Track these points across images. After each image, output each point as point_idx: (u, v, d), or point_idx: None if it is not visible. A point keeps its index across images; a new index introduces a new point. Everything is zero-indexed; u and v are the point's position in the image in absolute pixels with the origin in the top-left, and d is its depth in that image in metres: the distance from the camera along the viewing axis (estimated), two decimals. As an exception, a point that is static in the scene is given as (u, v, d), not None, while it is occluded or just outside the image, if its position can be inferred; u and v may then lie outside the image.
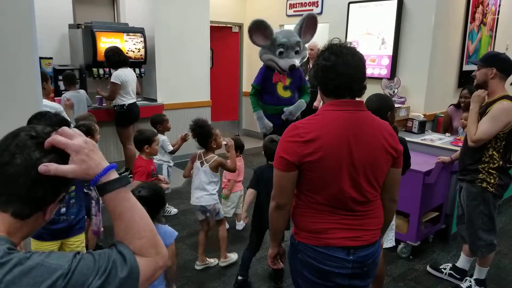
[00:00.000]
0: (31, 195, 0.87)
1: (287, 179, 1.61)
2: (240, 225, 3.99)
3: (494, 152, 2.66)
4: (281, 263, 1.90)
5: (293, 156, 1.55)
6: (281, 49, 4.12)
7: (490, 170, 2.69)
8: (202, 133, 3.10)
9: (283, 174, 1.60)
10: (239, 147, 3.68)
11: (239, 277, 3.00)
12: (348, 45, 1.62)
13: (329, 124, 1.57)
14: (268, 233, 2.13)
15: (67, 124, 2.33)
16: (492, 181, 2.69)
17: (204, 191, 3.11)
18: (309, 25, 4.12)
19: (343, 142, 1.54)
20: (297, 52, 4.13)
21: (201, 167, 3.12)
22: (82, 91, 4.70)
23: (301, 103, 4.26)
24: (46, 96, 3.80)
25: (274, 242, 1.84)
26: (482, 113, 2.68)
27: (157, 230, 1.92)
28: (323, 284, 1.67)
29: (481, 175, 2.71)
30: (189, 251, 3.49)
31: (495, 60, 2.68)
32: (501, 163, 2.67)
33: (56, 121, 2.18)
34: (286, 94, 4.20)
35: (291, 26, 6.82)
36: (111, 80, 4.76)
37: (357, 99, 1.65)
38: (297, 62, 4.15)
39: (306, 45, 4.50)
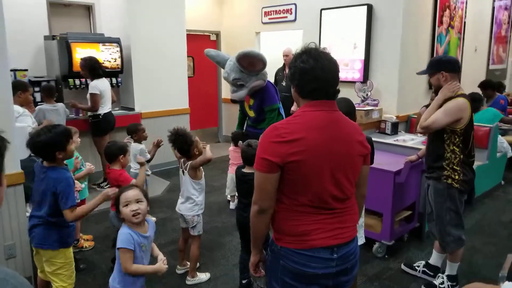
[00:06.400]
0: None
1: (269, 181, 1.59)
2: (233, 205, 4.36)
3: (454, 147, 2.78)
4: (262, 271, 1.87)
5: (276, 156, 1.55)
6: None
7: (454, 167, 2.79)
8: (184, 142, 3.04)
9: (266, 176, 1.58)
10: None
11: (243, 281, 3.03)
12: (324, 50, 1.66)
13: (310, 123, 1.59)
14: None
15: None
16: (457, 177, 2.79)
17: (184, 200, 3.11)
18: (246, 64, 3.97)
19: (325, 140, 1.58)
20: (241, 85, 4.09)
21: (183, 175, 3.11)
22: (60, 105, 4.63)
23: None
24: (19, 104, 3.82)
25: (256, 249, 1.79)
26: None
27: (121, 229, 2.04)
28: None
29: (446, 171, 2.82)
30: (169, 259, 3.47)
31: (440, 64, 2.85)
32: (462, 156, 2.78)
33: None
34: (251, 113, 4.27)
35: (267, 33, 6.98)
36: (91, 92, 4.74)
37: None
38: (238, 95, 4.14)
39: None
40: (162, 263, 2.20)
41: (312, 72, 1.59)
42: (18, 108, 3.72)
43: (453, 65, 2.86)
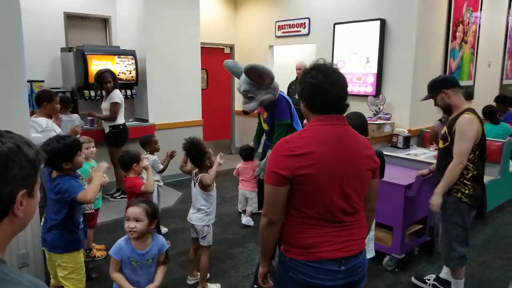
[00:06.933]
0: None
1: (279, 194, 1.61)
2: (245, 220, 4.46)
3: (468, 163, 2.75)
4: (271, 282, 1.87)
5: (286, 170, 1.57)
6: None
7: (465, 181, 2.77)
8: (197, 152, 3.10)
9: (275, 189, 1.61)
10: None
11: (255, 286, 3.04)
12: (333, 66, 1.71)
13: (319, 137, 1.62)
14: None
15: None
16: (467, 191, 2.78)
17: (196, 210, 3.15)
18: (256, 77, 3.91)
19: (334, 154, 1.60)
20: (252, 98, 4.17)
21: (194, 187, 3.15)
22: (75, 116, 4.73)
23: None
24: (46, 115, 3.89)
25: (265, 261, 1.81)
26: (450, 127, 2.80)
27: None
28: None
29: (456, 185, 2.80)
30: (179, 270, 3.52)
31: (439, 84, 2.88)
32: (475, 172, 2.77)
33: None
34: (265, 126, 4.24)
35: (280, 46, 7.06)
36: (114, 101, 4.85)
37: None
38: (248, 106, 4.03)
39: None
40: None
41: (322, 87, 1.63)
42: (41, 122, 3.75)
43: (451, 81, 2.90)
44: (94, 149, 3.59)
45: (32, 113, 4.35)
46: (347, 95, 1.71)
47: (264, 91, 4.03)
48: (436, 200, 2.84)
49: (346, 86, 1.70)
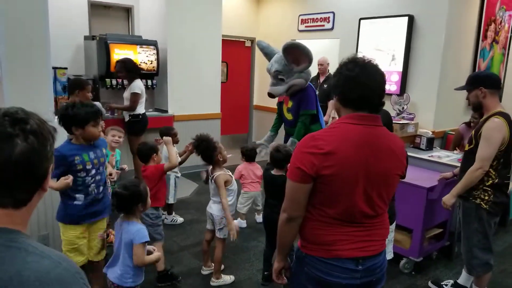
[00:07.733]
0: (21, 184, 0.87)
1: (301, 191, 1.57)
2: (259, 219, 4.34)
3: (490, 170, 2.63)
4: (285, 278, 1.84)
5: (311, 168, 1.52)
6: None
7: (484, 188, 2.66)
8: (206, 148, 3.06)
9: (298, 186, 1.57)
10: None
11: (266, 273, 3.14)
12: (372, 61, 1.63)
13: (348, 137, 1.54)
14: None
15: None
16: (486, 198, 2.66)
17: (214, 202, 3.15)
18: (292, 54, 3.83)
19: (361, 157, 1.53)
20: (282, 80, 3.91)
21: (211, 183, 3.13)
22: (97, 103, 4.75)
23: (293, 142, 3.89)
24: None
25: (281, 256, 1.77)
26: (477, 130, 2.69)
27: (131, 226, 2.15)
28: None
29: (475, 191, 2.69)
30: (193, 260, 3.53)
31: (479, 80, 2.71)
32: (496, 180, 2.65)
33: None
34: (289, 116, 4.07)
35: (302, 41, 6.93)
36: (134, 91, 4.84)
37: None
38: (276, 89, 3.93)
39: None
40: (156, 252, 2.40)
41: (357, 79, 1.55)
42: None
43: (493, 81, 2.73)
44: (121, 139, 3.60)
45: (56, 99, 4.45)
46: (384, 92, 1.62)
47: (296, 74, 3.88)
48: (449, 200, 2.79)
49: (384, 82, 1.61)
